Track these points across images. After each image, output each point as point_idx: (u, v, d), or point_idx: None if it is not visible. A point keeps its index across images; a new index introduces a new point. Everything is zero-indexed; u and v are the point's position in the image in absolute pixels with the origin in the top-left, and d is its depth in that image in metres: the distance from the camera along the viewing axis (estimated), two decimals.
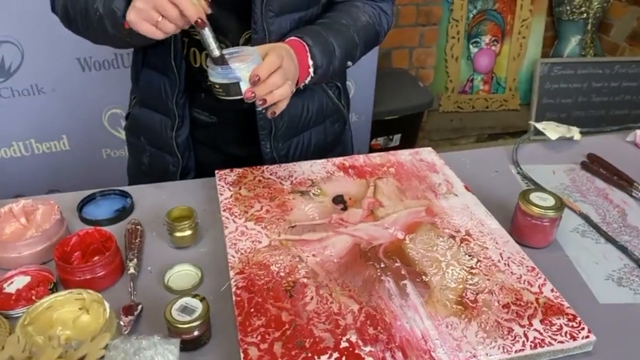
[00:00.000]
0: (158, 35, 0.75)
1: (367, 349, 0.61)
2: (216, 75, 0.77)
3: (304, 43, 0.85)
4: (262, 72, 0.76)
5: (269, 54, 0.78)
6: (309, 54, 0.85)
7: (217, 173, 0.94)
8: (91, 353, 0.48)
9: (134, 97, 1.08)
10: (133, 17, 0.75)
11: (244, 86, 0.77)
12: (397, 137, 2.49)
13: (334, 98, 1.06)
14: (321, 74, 0.88)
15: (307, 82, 0.87)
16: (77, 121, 1.79)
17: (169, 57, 0.92)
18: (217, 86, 0.78)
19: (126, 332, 0.65)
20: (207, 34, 0.75)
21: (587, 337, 0.64)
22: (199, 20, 0.73)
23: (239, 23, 0.90)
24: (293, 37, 0.86)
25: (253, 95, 0.77)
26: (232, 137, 1.04)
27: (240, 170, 0.95)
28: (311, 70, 0.86)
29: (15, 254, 0.75)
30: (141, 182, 1.00)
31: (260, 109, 0.81)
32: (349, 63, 0.94)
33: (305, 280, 0.71)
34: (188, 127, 1.00)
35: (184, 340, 0.62)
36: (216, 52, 0.76)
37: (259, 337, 0.62)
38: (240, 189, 0.90)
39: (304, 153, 1.04)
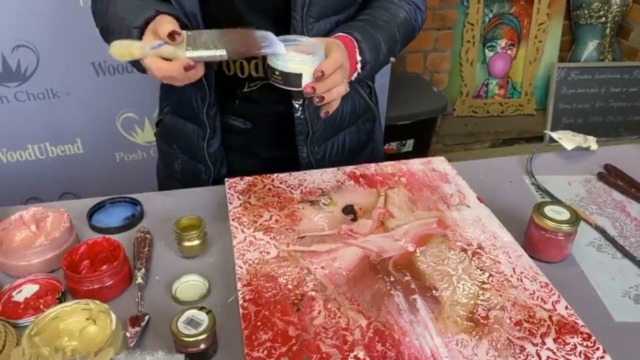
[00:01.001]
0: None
1: None
2: (280, 63, 0.76)
3: (353, 39, 0.85)
4: (327, 68, 0.76)
5: (333, 50, 0.78)
6: (357, 50, 0.84)
7: (227, 181, 0.93)
8: None
9: (165, 105, 1.08)
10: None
11: (306, 80, 0.76)
12: (410, 142, 2.47)
13: (365, 97, 1.06)
14: (368, 70, 0.87)
15: (352, 78, 0.86)
16: (91, 125, 1.80)
17: None
18: (277, 73, 0.77)
19: (132, 344, 0.64)
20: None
21: (602, 357, 0.62)
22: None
23: (276, 29, 0.90)
24: (341, 33, 0.86)
25: (313, 91, 0.76)
26: (266, 141, 1.04)
27: (250, 178, 0.94)
28: (359, 66, 0.85)
29: (25, 262, 0.75)
30: (171, 186, 1.02)
31: (316, 104, 0.79)
32: (392, 59, 0.94)
33: (313, 293, 0.70)
34: (220, 137, 1.01)
35: (190, 354, 0.61)
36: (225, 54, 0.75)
37: (265, 352, 0.61)
38: (249, 197, 0.89)
39: (338, 154, 1.05)
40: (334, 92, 0.77)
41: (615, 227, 0.87)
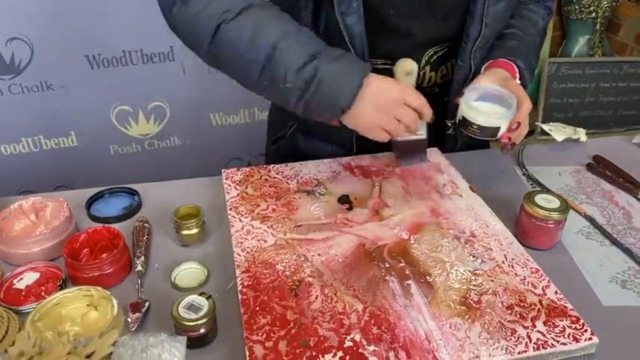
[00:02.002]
0: (384, 139, 0.80)
1: (371, 348, 0.62)
2: (480, 118, 0.82)
3: (516, 67, 0.89)
4: (523, 119, 0.82)
5: (523, 99, 0.83)
6: (517, 76, 0.89)
7: (224, 172, 0.95)
8: (100, 349, 0.49)
9: (292, 124, 1.05)
10: (370, 128, 0.78)
11: (503, 130, 0.82)
12: None
13: None
14: None
15: None
16: (86, 118, 1.80)
17: None
18: (474, 126, 0.83)
19: (133, 329, 0.66)
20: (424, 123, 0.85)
21: (590, 339, 0.64)
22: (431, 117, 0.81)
23: (443, 54, 0.94)
24: (505, 60, 0.90)
25: (509, 141, 0.83)
26: None
27: (247, 169, 0.96)
28: None
29: (25, 251, 0.76)
30: None
31: (504, 146, 0.86)
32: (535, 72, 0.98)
33: (310, 279, 0.72)
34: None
35: (190, 338, 0.63)
36: (425, 136, 0.87)
37: (264, 336, 0.63)
38: (246, 187, 0.91)
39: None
40: (522, 135, 0.84)
41: (604, 215, 0.90)
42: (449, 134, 1.03)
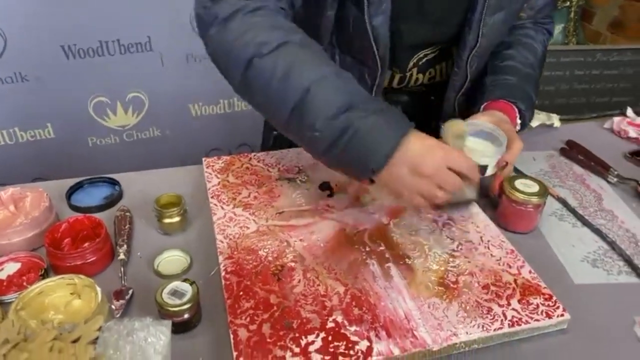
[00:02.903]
0: (422, 205, 0.71)
1: (353, 328, 0.63)
2: (468, 155, 0.78)
3: (516, 109, 0.89)
4: (511, 160, 0.82)
5: (514, 140, 0.82)
6: (517, 116, 0.89)
7: (205, 160, 0.95)
8: (85, 335, 0.50)
9: None
10: (407, 194, 0.68)
11: (490, 169, 0.82)
12: None
13: None
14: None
15: None
16: (62, 109, 1.77)
17: (369, 87, 0.90)
18: None
19: (118, 316, 0.66)
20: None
21: (562, 315, 0.67)
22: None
23: (440, 60, 0.94)
24: (505, 101, 0.89)
25: (500, 189, 0.84)
26: None
27: (228, 157, 0.96)
28: (517, 128, 0.90)
29: (5, 241, 0.76)
30: None
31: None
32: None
33: (292, 264, 0.73)
34: None
35: (175, 323, 0.63)
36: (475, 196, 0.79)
37: (248, 319, 0.64)
38: (227, 176, 0.91)
39: None
40: (507, 174, 0.84)
41: (576, 198, 0.93)
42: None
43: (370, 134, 0.65)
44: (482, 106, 0.90)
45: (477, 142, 0.82)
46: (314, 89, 0.66)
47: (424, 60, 0.93)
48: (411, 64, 0.93)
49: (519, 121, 0.89)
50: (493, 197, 0.87)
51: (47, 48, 1.66)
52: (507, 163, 0.81)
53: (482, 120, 0.84)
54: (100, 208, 0.86)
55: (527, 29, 1.00)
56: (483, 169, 0.80)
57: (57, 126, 1.81)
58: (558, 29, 3.02)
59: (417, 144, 0.67)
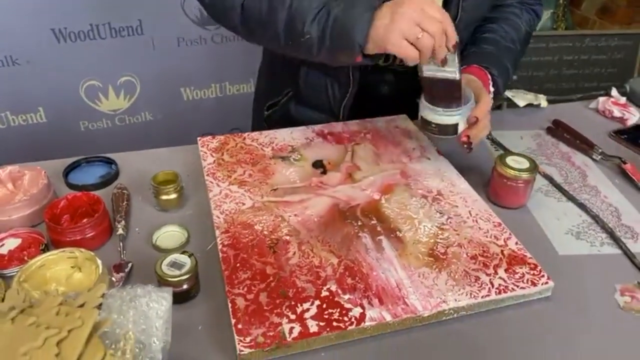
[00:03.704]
0: (412, 56, 0.74)
1: (346, 296, 0.66)
2: (436, 116, 0.81)
3: (489, 74, 0.89)
4: (481, 115, 0.81)
5: (482, 95, 0.82)
6: (490, 83, 0.90)
7: (200, 139, 0.97)
8: (90, 301, 0.52)
9: (287, 92, 1.07)
10: (393, 39, 0.73)
11: (461, 127, 0.82)
12: None
13: None
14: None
15: None
16: (54, 93, 1.78)
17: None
18: (432, 125, 0.82)
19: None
20: (455, 59, 0.76)
21: (546, 283, 0.70)
22: (456, 42, 0.74)
23: None
24: (478, 66, 0.90)
25: (467, 139, 0.82)
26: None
27: (222, 137, 0.98)
28: (490, 96, 0.89)
29: (5, 217, 0.77)
30: None
31: (464, 146, 0.85)
32: (514, 77, 0.98)
33: (287, 237, 0.75)
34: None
35: (174, 294, 0.65)
36: (458, 76, 0.77)
37: (245, 289, 0.66)
38: (222, 154, 0.93)
39: None
40: (482, 135, 0.84)
41: (562, 174, 0.96)
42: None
43: (346, 17, 0.75)
44: None
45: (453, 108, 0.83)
46: (295, 4, 0.78)
47: None
48: None
49: (492, 88, 0.91)
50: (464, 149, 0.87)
51: (38, 31, 1.66)
52: (477, 119, 0.81)
53: None
54: (97, 186, 0.88)
55: (513, 7, 1.02)
56: (454, 127, 0.82)
57: (49, 110, 1.81)
58: (547, 14, 3.04)
59: (388, 3, 0.75)
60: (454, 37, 0.74)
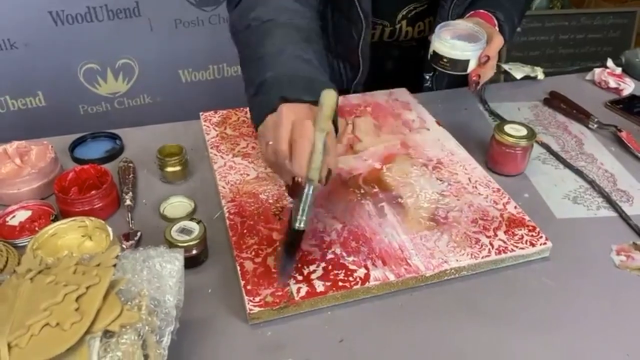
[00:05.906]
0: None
1: (351, 258, 0.68)
2: (449, 51, 0.82)
3: (495, 18, 0.90)
4: (492, 54, 0.82)
5: (493, 35, 0.83)
6: (496, 25, 0.90)
7: (202, 115, 0.98)
8: (104, 262, 0.54)
9: None
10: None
11: (472, 64, 0.83)
12: None
13: None
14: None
15: None
16: (53, 77, 1.78)
17: (356, 43, 0.96)
18: (445, 60, 0.83)
19: None
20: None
21: (545, 244, 0.72)
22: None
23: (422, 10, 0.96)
24: (484, 11, 0.91)
25: (478, 77, 0.84)
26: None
27: (224, 111, 0.99)
28: None
29: (14, 190, 0.79)
30: None
31: (472, 83, 0.87)
32: (518, 30, 0.99)
33: (292, 205, 0.77)
34: None
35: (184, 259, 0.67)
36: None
37: (253, 253, 0.68)
38: (225, 128, 0.94)
39: None
40: (489, 74, 0.85)
41: (559, 143, 0.97)
42: (427, 86, 1.09)
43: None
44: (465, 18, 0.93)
45: (459, 43, 0.85)
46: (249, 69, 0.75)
47: (413, 12, 0.96)
48: (400, 16, 0.96)
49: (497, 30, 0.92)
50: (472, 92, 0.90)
51: (35, 14, 1.66)
52: (488, 57, 0.84)
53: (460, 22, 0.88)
54: (103, 160, 0.89)
55: None
56: (465, 63, 0.84)
57: (48, 94, 1.81)
58: None
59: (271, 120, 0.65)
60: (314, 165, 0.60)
